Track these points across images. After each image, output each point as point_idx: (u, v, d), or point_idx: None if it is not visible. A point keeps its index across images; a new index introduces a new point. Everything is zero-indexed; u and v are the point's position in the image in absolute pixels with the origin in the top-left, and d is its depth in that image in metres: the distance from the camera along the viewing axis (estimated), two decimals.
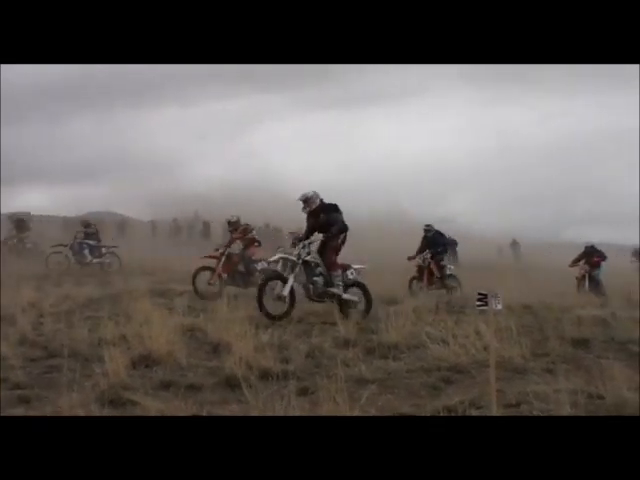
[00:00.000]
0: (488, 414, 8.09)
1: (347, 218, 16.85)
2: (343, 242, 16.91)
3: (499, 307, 8.56)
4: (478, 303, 8.58)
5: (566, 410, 8.00)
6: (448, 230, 29.93)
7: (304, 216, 17.00)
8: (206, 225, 48.82)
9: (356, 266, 17.47)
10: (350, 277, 17.00)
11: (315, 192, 17.02)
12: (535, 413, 8.02)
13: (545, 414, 7.97)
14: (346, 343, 12.32)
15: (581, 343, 12.63)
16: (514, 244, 49.10)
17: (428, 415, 7.97)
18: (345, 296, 16.67)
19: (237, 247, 22.14)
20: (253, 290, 18.48)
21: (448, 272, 24.92)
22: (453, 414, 8.11)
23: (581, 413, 7.81)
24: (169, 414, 7.79)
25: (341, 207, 16.82)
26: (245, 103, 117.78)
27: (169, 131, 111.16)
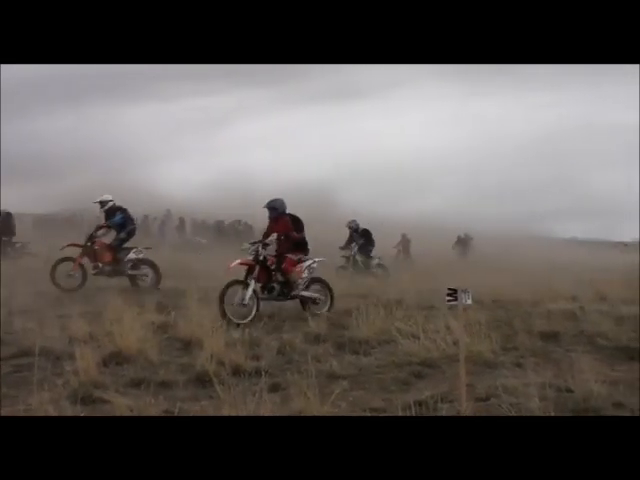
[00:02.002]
0: (458, 408, 8.16)
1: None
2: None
3: (469, 302, 8.62)
4: (448, 298, 8.62)
5: (535, 403, 8.07)
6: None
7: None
8: (182, 221, 48.53)
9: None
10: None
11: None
12: (504, 407, 8.07)
13: (514, 408, 8.02)
14: (317, 339, 12.36)
15: (550, 337, 12.75)
16: (466, 238, 49.28)
17: (413, 415, 7.93)
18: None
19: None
20: None
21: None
22: (424, 408, 8.16)
23: (550, 406, 7.87)
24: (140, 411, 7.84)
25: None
26: (225, 99, 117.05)
27: (146, 128, 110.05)
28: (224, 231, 46.95)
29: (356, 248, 28.51)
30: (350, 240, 29.02)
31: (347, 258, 28.51)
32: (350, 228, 29.44)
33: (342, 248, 28.92)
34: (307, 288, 16.71)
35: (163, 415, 7.88)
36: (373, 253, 28.88)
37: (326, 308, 16.47)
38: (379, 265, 28.37)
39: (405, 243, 41.52)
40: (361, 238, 28.77)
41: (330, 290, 16.82)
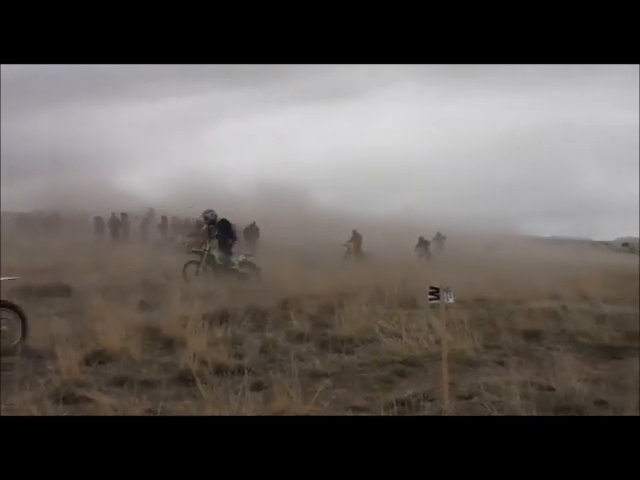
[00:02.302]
0: (441, 406, 8.18)
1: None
2: None
3: (451, 301, 8.64)
4: (430, 297, 8.64)
5: (517, 401, 8.10)
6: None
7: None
8: (164, 220, 48.27)
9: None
10: None
11: None
12: (486, 405, 8.10)
13: (496, 406, 8.05)
14: (300, 337, 12.36)
15: (532, 335, 12.80)
16: (439, 237, 49.21)
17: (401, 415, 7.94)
18: None
19: None
20: None
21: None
22: (406, 407, 8.18)
23: (532, 404, 7.89)
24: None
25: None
26: (204, 99, 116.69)
27: (130, 127, 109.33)
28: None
29: (214, 242, 24.81)
30: (208, 233, 25.29)
31: (200, 254, 24.64)
32: (205, 219, 25.70)
33: (201, 243, 25.52)
34: None
35: (146, 415, 7.86)
36: (235, 249, 25.30)
37: (16, 341, 11.94)
38: (246, 263, 24.55)
39: (357, 240, 40.79)
40: (216, 230, 25.01)
41: (23, 317, 12.25)
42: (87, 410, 8.09)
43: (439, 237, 48.95)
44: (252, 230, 43.33)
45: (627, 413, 7.76)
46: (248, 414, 7.38)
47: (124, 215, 47.77)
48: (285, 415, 7.63)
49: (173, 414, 7.87)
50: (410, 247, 43.74)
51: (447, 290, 8.59)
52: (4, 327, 12.01)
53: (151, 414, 7.85)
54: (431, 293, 8.64)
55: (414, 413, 8.01)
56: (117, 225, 47.28)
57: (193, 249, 25.47)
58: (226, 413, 7.42)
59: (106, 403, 8.02)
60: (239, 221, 44.03)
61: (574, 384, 8.73)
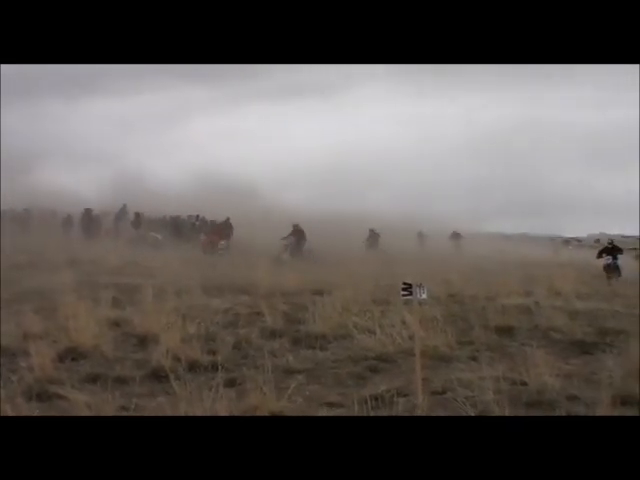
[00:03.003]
0: (414, 402, 8.20)
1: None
2: None
3: (424, 296, 8.65)
4: (403, 293, 8.65)
5: (490, 396, 8.14)
6: None
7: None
8: (137, 216, 47.87)
9: None
10: None
11: None
12: (460, 400, 8.13)
13: (469, 401, 8.08)
14: (273, 334, 12.33)
15: (505, 331, 12.84)
16: (373, 235, 47.81)
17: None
18: None
19: None
20: None
21: None
22: (380, 403, 8.19)
23: (504, 399, 7.92)
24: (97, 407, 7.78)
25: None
26: (174, 97, 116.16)
27: (99, 123, 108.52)
28: (180, 226, 46.49)
29: None
30: None
31: None
32: None
33: None
34: None
35: (119, 412, 7.83)
36: None
37: None
38: None
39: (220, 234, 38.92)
40: None
41: None
42: (60, 407, 8.05)
43: (372, 234, 47.28)
44: (225, 226, 43.12)
45: (598, 408, 7.81)
46: (222, 410, 7.37)
47: (90, 210, 47.30)
48: (259, 415, 7.62)
49: (146, 411, 7.86)
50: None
51: (420, 286, 8.60)
52: None
53: (124, 411, 7.84)
54: (404, 289, 8.65)
55: (388, 408, 8.03)
56: (88, 222, 46.88)
57: None
58: (199, 410, 7.39)
59: (80, 400, 7.98)
60: (210, 218, 43.96)
61: (546, 379, 8.79)
